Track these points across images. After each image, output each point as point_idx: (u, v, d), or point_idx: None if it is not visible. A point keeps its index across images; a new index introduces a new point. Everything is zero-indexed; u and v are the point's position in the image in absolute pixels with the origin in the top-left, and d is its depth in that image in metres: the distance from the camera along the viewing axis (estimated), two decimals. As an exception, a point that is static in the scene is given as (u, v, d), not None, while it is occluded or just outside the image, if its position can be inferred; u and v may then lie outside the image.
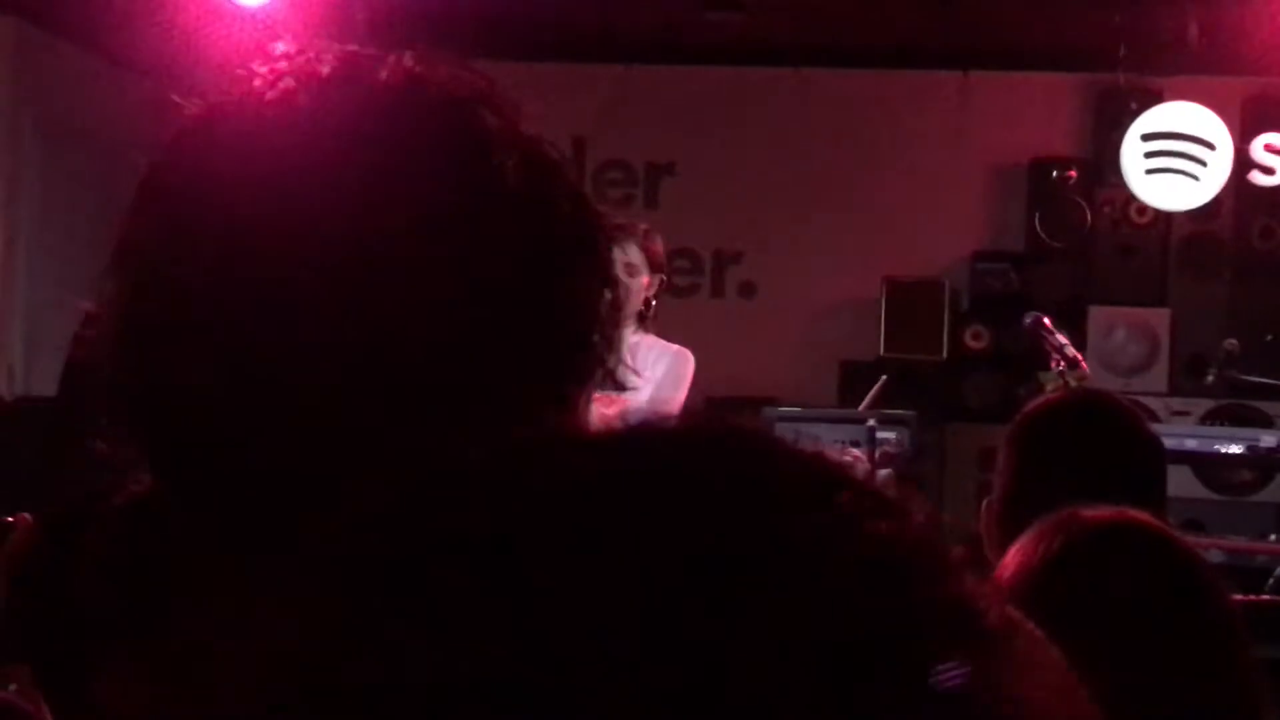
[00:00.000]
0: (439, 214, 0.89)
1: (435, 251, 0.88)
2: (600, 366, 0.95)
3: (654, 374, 4.86)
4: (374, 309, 0.87)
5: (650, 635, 0.41)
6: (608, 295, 0.95)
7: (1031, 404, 2.82)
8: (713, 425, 0.48)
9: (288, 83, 0.92)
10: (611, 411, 5.17)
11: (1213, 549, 5.65)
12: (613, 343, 0.95)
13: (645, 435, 0.48)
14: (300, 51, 0.94)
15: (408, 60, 0.94)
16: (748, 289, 8.53)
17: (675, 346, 4.97)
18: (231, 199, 0.89)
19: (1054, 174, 8.09)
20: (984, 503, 2.71)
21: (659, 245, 4.98)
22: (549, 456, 0.47)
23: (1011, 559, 1.73)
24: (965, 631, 0.43)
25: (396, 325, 0.87)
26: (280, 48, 0.94)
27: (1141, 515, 1.83)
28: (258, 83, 0.92)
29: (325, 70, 0.93)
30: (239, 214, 0.88)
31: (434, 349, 0.88)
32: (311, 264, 0.86)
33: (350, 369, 0.86)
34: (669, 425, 0.48)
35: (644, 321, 4.92)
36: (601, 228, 0.96)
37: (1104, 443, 2.64)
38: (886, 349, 7.97)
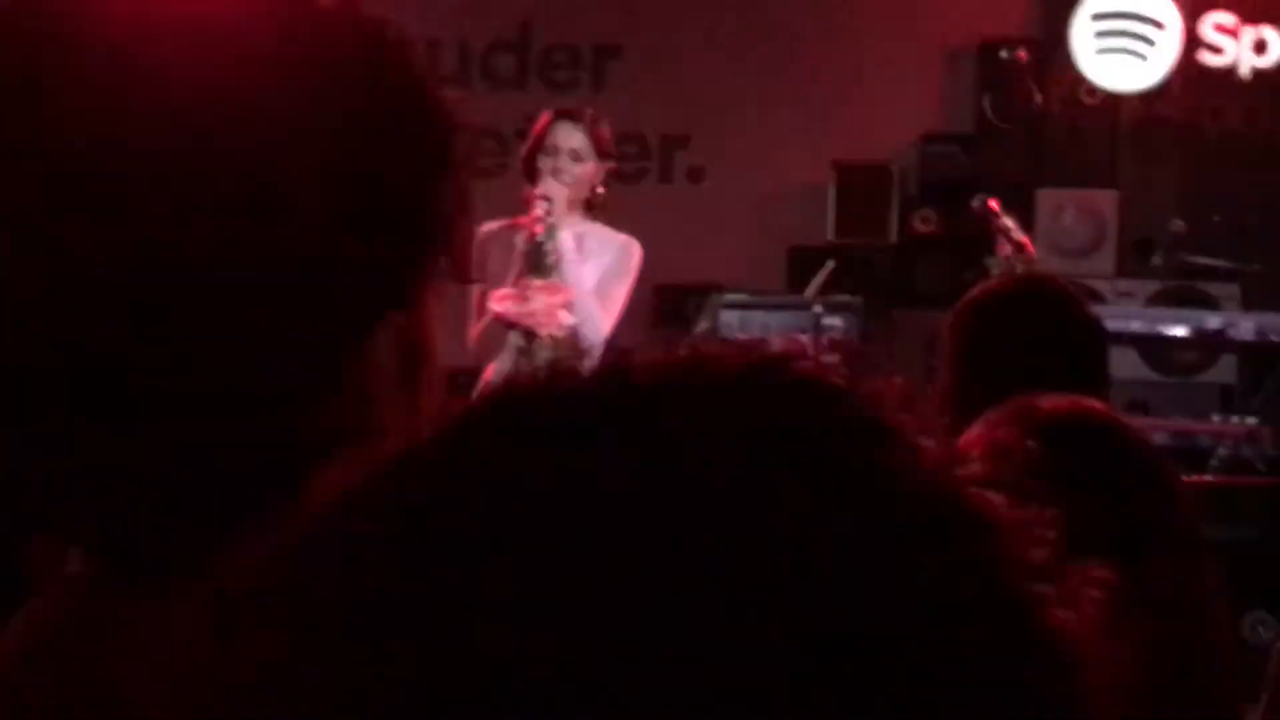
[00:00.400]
0: (262, 76, 0.85)
1: (257, 123, 0.84)
2: (441, 259, 0.90)
3: (600, 262, 4.83)
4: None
5: (650, 634, 0.41)
6: (449, 183, 0.90)
7: (972, 291, 2.82)
8: (705, 409, 0.46)
9: None
10: (556, 300, 5.13)
11: (1158, 431, 5.71)
12: (455, 234, 0.91)
13: (640, 424, 0.46)
14: None
15: None
16: (696, 174, 8.49)
17: (623, 236, 4.92)
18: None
19: (1003, 55, 8.05)
20: (928, 391, 2.71)
21: (606, 131, 4.91)
22: (548, 454, 0.46)
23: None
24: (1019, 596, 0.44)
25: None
26: None
27: (1094, 404, 1.85)
28: None
29: None
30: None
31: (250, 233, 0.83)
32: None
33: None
34: (663, 410, 0.46)
35: (591, 209, 4.88)
36: (443, 113, 0.91)
37: (1045, 328, 2.64)
38: (836, 234, 7.96)
